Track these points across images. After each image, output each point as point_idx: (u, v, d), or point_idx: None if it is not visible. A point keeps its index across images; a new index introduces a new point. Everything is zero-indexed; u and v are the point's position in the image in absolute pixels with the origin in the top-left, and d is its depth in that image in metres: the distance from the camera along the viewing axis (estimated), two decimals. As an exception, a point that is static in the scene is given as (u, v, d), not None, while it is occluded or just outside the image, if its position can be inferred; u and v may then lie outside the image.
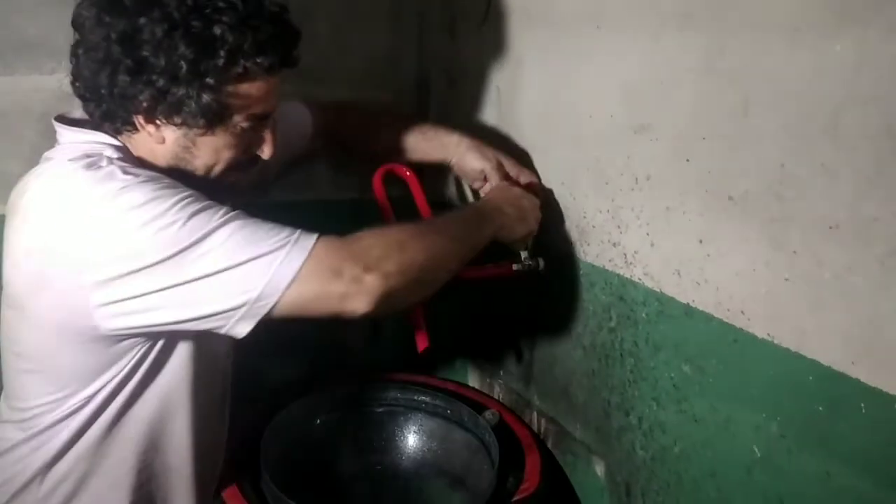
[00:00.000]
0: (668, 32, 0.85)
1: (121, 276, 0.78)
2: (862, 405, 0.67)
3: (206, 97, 0.81)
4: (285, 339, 0.98)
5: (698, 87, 0.81)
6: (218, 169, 0.90)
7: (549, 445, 1.19)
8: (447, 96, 1.40)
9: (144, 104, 0.82)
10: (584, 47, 1.00)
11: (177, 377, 0.91)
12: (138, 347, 0.87)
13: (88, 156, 0.84)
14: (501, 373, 1.31)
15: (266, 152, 0.92)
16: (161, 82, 0.80)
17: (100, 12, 0.80)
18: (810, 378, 0.72)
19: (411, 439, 1.22)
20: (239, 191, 0.95)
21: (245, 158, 0.91)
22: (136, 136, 0.87)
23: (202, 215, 0.79)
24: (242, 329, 0.81)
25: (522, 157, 1.15)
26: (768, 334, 0.76)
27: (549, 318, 1.15)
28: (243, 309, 0.79)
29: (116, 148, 0.87)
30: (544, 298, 1.16)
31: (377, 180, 1.11)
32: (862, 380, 0.67)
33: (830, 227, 0.68)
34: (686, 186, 0.85)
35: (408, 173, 1.13)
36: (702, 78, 0.81)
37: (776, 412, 0.76)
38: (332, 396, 1.21)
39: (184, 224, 0.77)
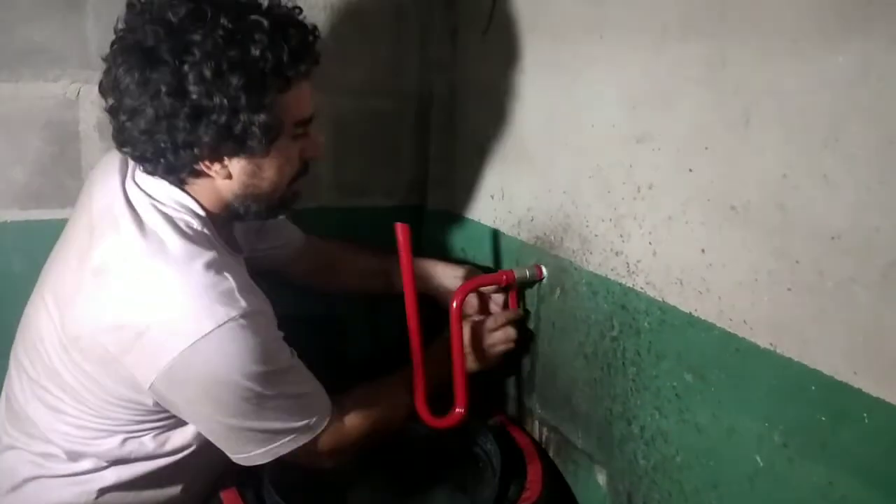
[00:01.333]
0: (670, 43, 0.85)
1: (191, 395, 0.86)
2: (864, 415, 0.67)
3: (264, 117, 0.82)
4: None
5: (700, 97, 0.82)
6: (284, 184, 0.93)
7: (551, 454, 1.19)
8: (449, 105, 1.40)
9: (208, 147, 0.83)
10: (586, 57, 1.01)
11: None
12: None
13: (183, 230, 0.87)
14: (503, 381, 1.31)
15: (317, 151, 0.96)
16: (223, 119, 0.80)
17: (141, 72, 0.79)
18: (812, 388, 0.72)
19: (412, 447, 1.22)
20: (295, 201, 1.00)
21: (300, 166, 0.95)
22: (199, 183, 0.89)
23: (280, 377, 0.89)
24: (241, 463, 0.94)
25: (526, 165, 1.16)
26: (770, 344, 0.76)
27: (552, 327, 1.15)
28: (249, 453, 0.92)
29: (201, 219, 0.90)
30: (546, 307, 1.16)
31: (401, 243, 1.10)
32: (864, 389, 0.67)
33: (832, 238, 0.69)
34: (688, 196, 0.85)
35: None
36: (704, 88, 0.81)
37: (778, 422, 0.76)
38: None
39: (265, 381, 0.86)
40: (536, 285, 1.17)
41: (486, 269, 1.28)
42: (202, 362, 0.81)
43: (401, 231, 1.06)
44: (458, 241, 1.42)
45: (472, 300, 1.22)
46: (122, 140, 0.86)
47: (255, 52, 0.80)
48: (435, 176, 1.47)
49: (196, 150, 0.83)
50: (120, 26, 0.83)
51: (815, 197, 0.70)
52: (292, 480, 1.00)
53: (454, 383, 1.10)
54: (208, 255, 0.85)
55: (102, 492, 0.93)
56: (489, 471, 1.09)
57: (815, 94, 0.69)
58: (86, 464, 0.91)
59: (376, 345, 1.44)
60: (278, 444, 0.91)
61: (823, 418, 0.71)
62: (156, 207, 0.88)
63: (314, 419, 0.94)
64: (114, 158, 0.95)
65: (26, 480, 0.92)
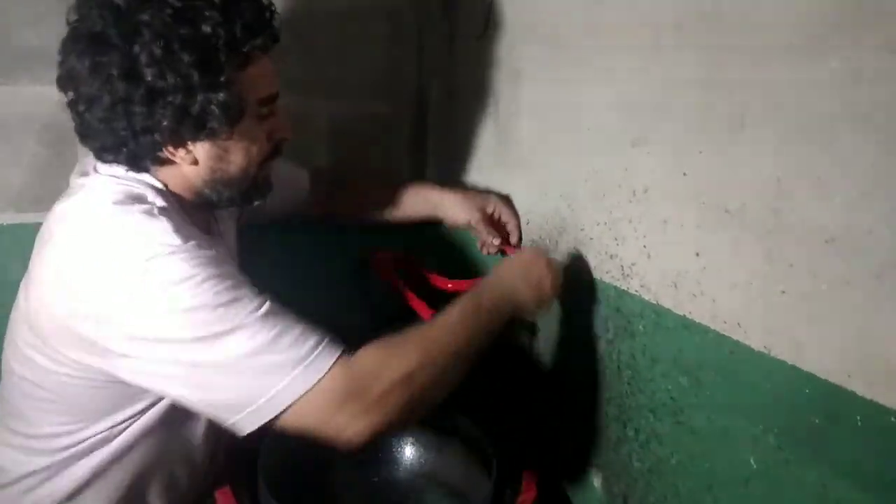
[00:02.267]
0: (665, 47, 0.86)
1: (146, 339, 0.78)
2: (858, 417, 0.67)
3: (222, 96, 0.80)
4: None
5: (695, 101, 0.82)
6: (253, 167, 0.90)
7: (546, 457, 1.19)
8: (446, 109, 1.40)
9: (168, 130, 0.81)
10: (581, 60, 1.01)
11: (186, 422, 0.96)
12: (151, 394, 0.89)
13: (133, 199, 0.83)
14: (501, 384, 1.31)
15: (285, 131, 0.93)
16: (178, 99, 0.79)
17: (91, 57, 0.78)
18: (807, 390, 0.72)
19: (407, 450, 1.22)
20: (270, 189, 0.96)
21: (270, 148, 0.92)
22: (164, 171, 0.87)
23: (236, 306, 0.78)
24: (243, 428, 0.79)
25: (522, 168, 1.16)
26: (765, 347, 0.76)
27: (546, 330, 1.15)
28: (246, 409, 0.78)
29: (158, 191, 0.86)
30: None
31: (382, 271, 1.11)
32: (858, 392, 0.67)
33: (826, 241, 0.69)
34: (683, 199, 0.85)
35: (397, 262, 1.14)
36: (698, 91, 0.82)
37: (773, 424, 0.76)
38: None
39: (215, 310, 0.77)
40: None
41: (505, 198, 1.24)
42: (135, 303, 0.77)
43: (376, 261, 1.09)
44: (454, 244, 1.42)
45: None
46: (83, 132, 0.84)
47: (206, 28, 0.78)
48: (432, 179, 1.48)
49: (156, 136, 0.81)
50: (71, 16, 0.82)
51: (808, 200, 0.70)
52: (287, 482, 1.00)
53: None
54: (142, 206, 0.82)
55: (83, 485, 0.92)
56: (485, 472, 1.09)
57: (808, 98, 0.70)
58: (63, 457, 0.90)
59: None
60: (276, 388, 0.76)
61: (817, 421, 0.71)
62: (113, 182, 0.86)
63: (316, 350, 0.78)
64: (89, 158, 0.94)
65: (15, 478, 0.92)
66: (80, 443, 0.90)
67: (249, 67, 0.84)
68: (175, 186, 0.89)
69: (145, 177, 0.87)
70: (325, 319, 0.84)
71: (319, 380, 0.77)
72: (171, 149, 0.84)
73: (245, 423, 0.79)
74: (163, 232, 0.79)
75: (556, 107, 1.09)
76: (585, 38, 0.99)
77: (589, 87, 1.00)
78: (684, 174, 0.85)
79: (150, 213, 0.81)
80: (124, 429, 0.91)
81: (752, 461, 0.79)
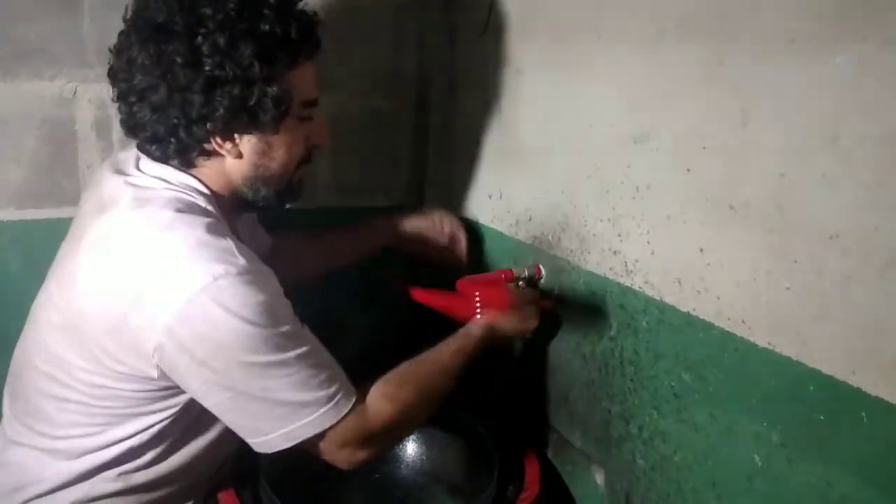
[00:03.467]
0: (669, 43, 0.86)
1: (195, 356, 0.81)
2: (863, 414, 0.67)
3: (276, 90, 0.84)
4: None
5: (698, 97, 0.82)
6: (292, 166, 0.94)
7: (549, 455, 1.19)
8: (448, 105, 1.40)
9: (222, 120, 0.84)
10: (584, 57, 1.01)
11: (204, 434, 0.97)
12: (182, 398, 0.90)
13: (190, 207, 0.86)
14: (501, 383, 1.31)
15: (321, 137, 0.97)
16: (237, 89, 0.82)
17: (156, 46, 0.81)
18: (811, 387, 0.72)
19: (410, 447, 1.21)
20: (301, 193, 1.00)
21: (306, 154, 0.96)
22: (208, 165, 0.90)
23: (286, 341, 0.83)
24: (258, 448, 0.87)
25: (524, 165, 1.16)
26: (769, 343, 0.76)
27: (549, 326, 1.15)
28: (266, 437, 0.85)
29: (207, 198, 0.89)
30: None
31: (422, 300, 1.12)
32: (863, 389, 0.67)
33: (831, 237, 0.69)
34: (686, 195, 0.85)
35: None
36: (702, 88, 0.81)
37: (777, 421, 0.76)
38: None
39: (269, 341, 0.81)
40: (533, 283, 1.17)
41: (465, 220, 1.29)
42: (201, 316, 0.78)
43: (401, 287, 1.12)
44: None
45: None
46: (133, 124, 0.87)
47: (265, 26, 0.82)
48: (433, 176, 1.48)
49: (209, 126, 0.84)
50: (130, 11, 0.85)
51: (813, 196, 0.70)
52: (289, 480, 1.00)
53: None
54: (206, 220, 0.84)
55: (102, 493, 0.92)
56: (486, 470, 1.09)
57: (812, 94, 0.69)
58: (87, 461, 0.91)
59: (377, 342, 1.44)
60: (299, 423, 0.84)
61: (822, 417, 0.71)
62: (159, 187, 0.88)
63: (338, 396, 0.86)
64: (125, 155, 0.95)
65: (30, 481, 0.92)
66: (102, 447, 0.90)
67: (298, 68, 0.88)
68: (216, 185, 0.91)
69: (191, 180, 0.89)
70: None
71: (335, 424, 0.86)
72: (219, 140, 0.87)
73: (262, 446, 0.87)
74: (229, 250, 0.82)
75: (558, 103, 1.08)
76: (588, 34, 0.99)
77: (591, 83, 1.00)
78: (688, 170, 0.84)
79: (212, 228, 0.83)
80: (147, 433, 0.91)
81: (756, 458, 0.79)
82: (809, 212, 0.71)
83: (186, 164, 0.89)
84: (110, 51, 0.87)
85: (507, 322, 1.05)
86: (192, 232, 0.82)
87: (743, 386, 0.80)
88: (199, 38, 0.80)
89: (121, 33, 0.85)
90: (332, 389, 0.86)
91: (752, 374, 0.79)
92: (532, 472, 1.06)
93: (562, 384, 1.14)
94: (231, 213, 0.96)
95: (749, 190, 0.77)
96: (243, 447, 0.91)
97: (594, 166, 1.01)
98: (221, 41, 0.80)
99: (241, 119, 0.85)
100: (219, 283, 0.78)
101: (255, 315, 0.79)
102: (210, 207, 0.88)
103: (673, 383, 0.90)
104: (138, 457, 0.92)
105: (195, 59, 0.80)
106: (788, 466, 0.75)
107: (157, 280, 0.80)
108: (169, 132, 0.85)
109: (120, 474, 0.92)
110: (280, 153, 0.91)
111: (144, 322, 0.80)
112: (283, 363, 0.82)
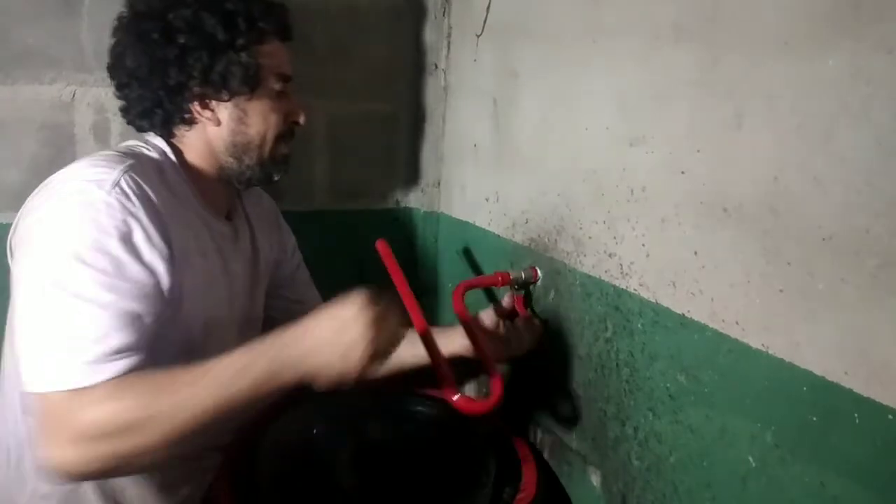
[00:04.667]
0: (663, 46, 0.86)
1: (22, 255, 0.85)
2: (855, 415, 0.67)
3: (243, 58, 0.94)
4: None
5: (692, 100, 0.83)
6: (270, 136, 1.00)
7: (546, 456, 1.19)
8: (444, 108, 1.41)
9: (196, 88, 0.93)
10: (579, 60, 1.01)
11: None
12: None
13: (131, 156, 0.90)
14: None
15: (299, 115, 1.03)
16: (205, 57, 0.92)
17: (137, 26, 0.92)
18: (804, 388, 0.72)
19: (408, 449, 1.22)
20: (287, 167, 1.05)
21: (286, 128, 1.02)
22: (192, 133, 0.97)
23: (84, 276, 0.78)
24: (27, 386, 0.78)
25: (520, 168, 1.16)
26: (762, 345, 0.77)
27: (546, 328, 1.15)
28: (20, 363, 0.79)
29: (172, 164, 0.95)
30: (540, 309, 1.16)
31: (385, 256, 1.08)
32: (855, 390, 0.67)
33: (823, 239, 0.69)
34: (681, 198, 0.86)
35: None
36: (696, 91, 0.82)
37: (770, 422, 0.77)
38: (329, 407, 1.21)
39: (72, 262, 0.78)
40: (531, 287, 1.18)
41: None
42: (46, 214, 0.83)
43: (381, 248, 1.08)
44: (453, 243, 1.42)
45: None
46: (128, 106, 0.97)
47: (228, 5, 0.94)
48: (430, 179, 1.48)
49: (186, 93, 0.93)
50: (120, 12, 0.95)
51: (806, 198, 0.71)
52: (287, 481, 1.00)
53: (487, 370, 1.00)
54: (136, 161, 0.89)
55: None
56: (483, 472, 1.09)
57: (805, 97, 0.70)
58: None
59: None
60: (40, 363, 0.76)
61: (815, 418, 0.72)
62: (130, 148, 0.95)
63: (87, 348, 0.75)
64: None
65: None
66: None
67: (266, 44, 0.97)
68: (199, 155, 0.98)
69: (164, 145, 0.96)
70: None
71: (56, 390, 0.75)
72: (198, 108, 0.95)
73: (21, 376, 0.79)
74: (111, 166, 0.85)
75: (554, 106, 1.09)
76: (584, 37, 0.99)
77: (587, 86, 1.01)
78: (682, 173, 0.85)
79: (131, 165, 0.87)
80: None
81: (750, 459, 0.79)
82: (802, 214, 0.71)
83: (170, 134, 0.97)
84: (109, 52, 0.95)
85: (326, 346, 0.78)
86: (102, 159, 0.87)
87: (737, 387, 0.81)
88: (171, 15, 0.91)
89: (113, 29, 0.95)
90: (87, 348, 0.76)
91: (746, 375, 0.79)
92: (529, 473, 1.06)
93: (558, 386, 1.14)
94: (220, 191, 1.02)
95: (743, 192, 0.77)
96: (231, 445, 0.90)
97: (590, 169, 1.01)
98: (189, 14, 0.91)
99: (214, 84, 0.93)
100: (72, 185, 0.83)
101: (77, 231, 0.80)
102: (169, 169, 0.94)
103: (668, 385, 0.91)
104: None
105: (169, 33, 0.91)
106: (782, 467, 0.76)
107: (42, 192, 0.87)
108: (155, 102, 0.94)
109: None
110: (256, 121, 0.98)
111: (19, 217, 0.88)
112: (63, 287, 0.77)
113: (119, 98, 0.98)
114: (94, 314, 0.78)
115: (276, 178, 1.04)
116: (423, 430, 1.21)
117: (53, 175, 0.88)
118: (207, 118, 0.96)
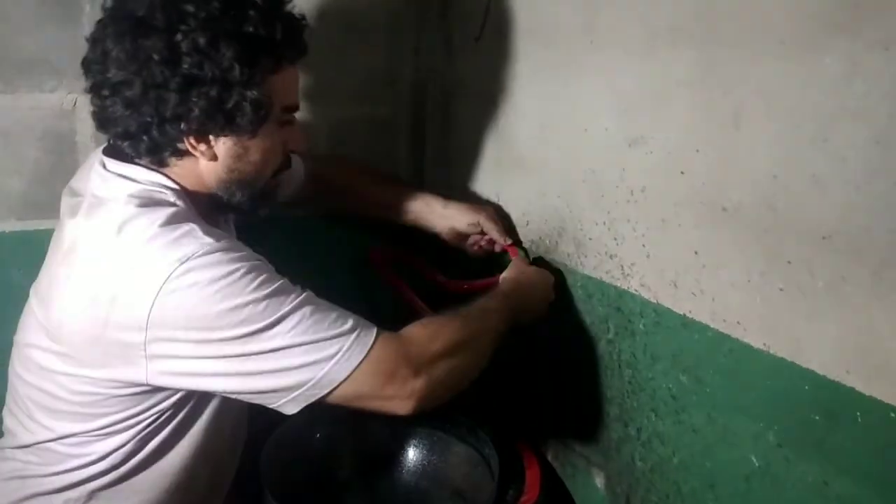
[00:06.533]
0: (661, 47, 0.86)
1: (188, 342, 0.79)
2: (858, 414, 0.67)
3: (255, 94, 0.82)
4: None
5: (691, 100, 0.82)
6: (268, 172, 0.91)
7: (549, 457, 1.19)
8: (444, 112, 1.41)
9: (197, 121, 0.81)
10: (578, 62, 1.01)
11: (204, 428, 0.93)
12: (172, 400, 0.87)
13: (155, 203, 0.83)
14: (501, 386, 1.32)
15: (299, 144, 0.95)
16: (215, 91, 0.79)
17: (132, 40, 0.78)
18: (806, 387, 0.72)
19: (411, 452, 1.22)
20: (276, 200, 0.98)
21: (283, 158, 0.93)
22: (180, 164, 0.86)
23: (277, 298, 0.79)
24: (291, 409, 0.83)
25: (520, 170, 1.16)
26: (764, 344, 0.77)
27: (547, 330, 1.15)
28: (296, 392, 0.81)
29: (176, 193, 0.86)
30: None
31: (380, 267, 1.11)
32: (857, 388, 0.67)
33: (823, 238, 0.69)
34: (680, 198, 0.86)
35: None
36: (694, 91, 0.82)
37: (773, 422, 0.77)
38: (332, 410, 1.21)
39: (258, 304, 0.78)
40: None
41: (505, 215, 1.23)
42: (179, 302, 0.77)
43: (375, 256, 1.08)
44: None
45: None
46: (104, 118, 0.84)
47: (248, 28, 0.80)
48: (431, 182, 1.48)
49: (183, 126, 0.81)
50: (109, 1, 0.82)
51: (805, 197, 0.71)
52: (290, 484, 1.00)
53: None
54: (169, 210, 0.82)
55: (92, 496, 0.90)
56: (487, 474, 1.09)
57: (803, 95, 0.70)
58: (84, 472, 0.90)
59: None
60: (325, 369, 0.80)
61: (817, 418, 0.72)
62: (125, 186, 0.85)
63: (357, 329, 0.82)
64: (91, 156, 0.94)
65: (25, 498, 0.91)
66: (97, 455, 0.89)
67: (280, 73, 0.85)
68: (190, 184, 0.88)
69: (160, 178, 0.86)
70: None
71: (364, 357, 0.81)
72: (192, 141, 0.83)
73: (291, 405, 0.83)
74: (191, 233, 0.80)
75: (553, 108, 1.09)
76: (582, 39, 0.99)
77: (586, 87, 1.01)
78: (682, 173, 0.85)
79: (174, 216, 0.81)
80: (142, 437, 0.89)
81: (753, 459, 0.79)
82: (802, 213, 0.71)
83: (158, 164, 0.86)
84: (86, 40, 0.83)
85: (535, 298, 1.06)
86: (151, 223, 0.79)
87: (739, 387, 0.81)
88: (179, 36, 0.77)
89: (98, 22, 0.82)
90: (349, 325, 0.82)
91: (748, 375, 0.79)
92: (532, 475, 1.07)
93: (561, 387, 1.14)
94: (210, 209, 0.93)
95: (742, 192, 0.77)
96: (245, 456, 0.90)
97: (589, 170, 1.01)
98: (202, 40, 0.77)
99: (217, 121, 0.82)
100: (186, 266, 0.77)
101: (230, 284, 0.77)
102: (179, 202, 0.86)
103: (670, 385, 0.91)
104: (128, 460, 0.90)
105: (173, 56, 0.77)
106: (785, 466, 0.76)
107: (125, 278, 0.78)
108: (141, 129, 0.82)
109: (122, 475, 0.90)
110: (256, 158, 0.88)
111: (125, 322, 0.78)
112: (282, 318, 0.79)
113: (94, 104, 0.84)
114: (316, 319, 0.81)
115: (260, 214, 0.95)
116: (426, 432, 1.21)
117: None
118: (202, 152, 0.85)
